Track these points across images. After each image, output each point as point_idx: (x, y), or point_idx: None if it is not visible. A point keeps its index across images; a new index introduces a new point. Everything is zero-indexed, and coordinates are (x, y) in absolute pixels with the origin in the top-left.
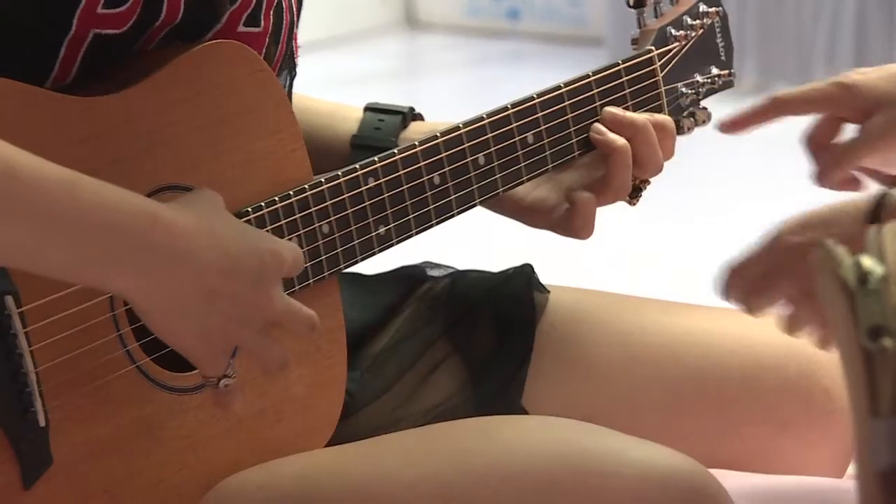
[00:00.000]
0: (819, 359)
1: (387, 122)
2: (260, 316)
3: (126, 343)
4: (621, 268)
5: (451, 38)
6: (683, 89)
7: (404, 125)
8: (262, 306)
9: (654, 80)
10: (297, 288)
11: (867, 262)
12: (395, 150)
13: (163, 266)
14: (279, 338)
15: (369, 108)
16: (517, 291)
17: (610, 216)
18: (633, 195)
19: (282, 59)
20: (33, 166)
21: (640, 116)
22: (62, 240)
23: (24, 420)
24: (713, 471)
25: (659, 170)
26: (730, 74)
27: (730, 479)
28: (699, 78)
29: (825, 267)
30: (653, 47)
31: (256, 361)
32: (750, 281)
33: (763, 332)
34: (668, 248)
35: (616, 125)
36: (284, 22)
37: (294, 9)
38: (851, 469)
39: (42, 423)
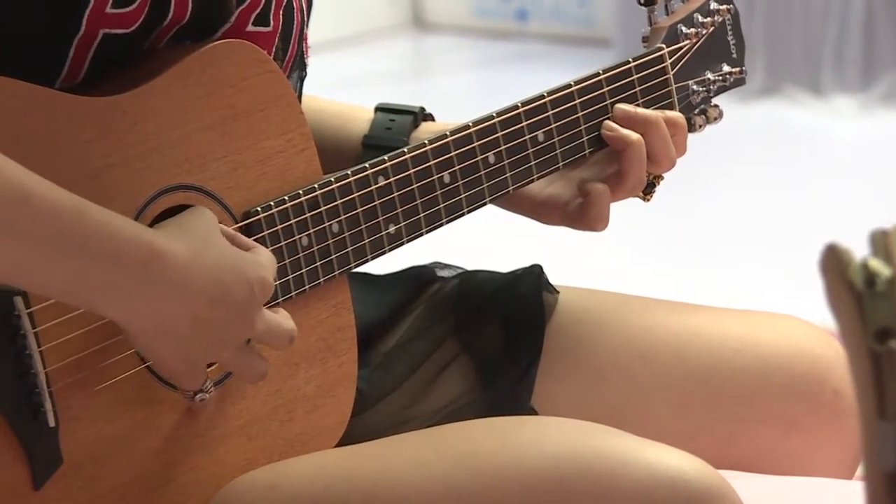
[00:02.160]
0: (827, 359)
1: (398, 121)
2: (239, 338)
3: None
4: (629, 268)
5: (459, 39)
6: (694, 87)
7: (415, 125)
8: (242, 330)
9: (664, 77)
10: (307, 287)
11: (875, 264)
12: (405, 149)
13: (155, 296)
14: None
15: (380, 108)
16: (526, 292)
17: (618, 216)
18: (647, 191)
19: (293, 59)
20: (45, 193)
21: (653, 112)
22: (64, 266)
23: (34, 420)
24: (721, 471)
25: (672, 164)
26: (741, 72)
27: (738, 480)
28: (710, 75)
29: (832, 268)
30: (663, 45)
31: (236, 375)
32: None
33: (770, 333)
34: (676, 249)
35: (628, 121)
36: (295, 22)
37: (304, 9)
38: (860, 470)
39: (52, 423)
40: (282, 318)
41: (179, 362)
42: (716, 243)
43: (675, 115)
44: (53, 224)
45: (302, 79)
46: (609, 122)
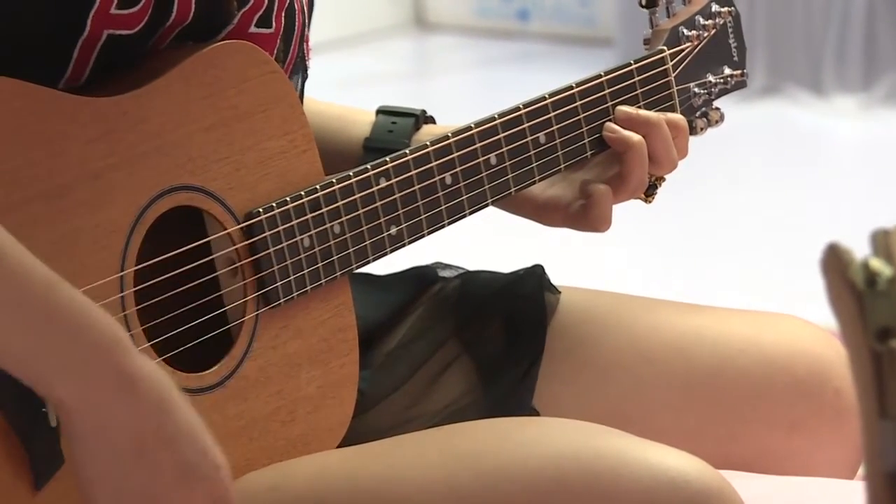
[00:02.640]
0: (829, 359)
1: (399, 124)
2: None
3: (137, 343)
4: (631, 268)
5: (461, 39)
6: (696, 89)
7: (417, 127)
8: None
9: (666, 80)
10: (308, 288)
11: (876, 263)
12: (407, 151)
13: (110, 387)
14: (286, 339)
15: (381, 111)
16: (528, 292)
17: (620, 216)
18: (649, 192)
19: (293, 61)
20: (18, 258)
21: (654, 113)
22: (25, 332)
23: (35, 420)
24: (723, 472)
25: (674, 166)
26: (742, 74)
27: (739, 480)
28: (711, 78)
29: (833, 268)
30: (665, 47)
31: None
32: None
33: (773, 333)
34: (679, 249)
35: (630, 123)
36: (297, 24)
37: (306, 11)
38: (862, 470)
39: (53, 423)
40: None
41: (106, 497)
42: (717, 243)
43: (677, 117)
44: (22, 289)
45: (303, 80)
46: (611, 124)
